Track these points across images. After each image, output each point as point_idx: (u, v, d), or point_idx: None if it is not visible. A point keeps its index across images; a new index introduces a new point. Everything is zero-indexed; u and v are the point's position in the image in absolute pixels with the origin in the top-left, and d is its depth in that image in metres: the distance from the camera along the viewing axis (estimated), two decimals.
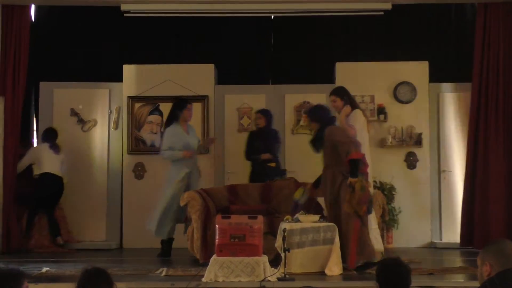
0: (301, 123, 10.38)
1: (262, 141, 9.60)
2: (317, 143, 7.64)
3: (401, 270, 3.78)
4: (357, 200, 7.11)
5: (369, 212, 7.29)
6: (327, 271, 6.95)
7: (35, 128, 11.09)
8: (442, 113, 10.46)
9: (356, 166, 7.21)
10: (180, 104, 9.15)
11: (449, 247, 9.91)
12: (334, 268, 6.99)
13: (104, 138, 10.64)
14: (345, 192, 7.22)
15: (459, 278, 6.64)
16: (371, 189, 7.61)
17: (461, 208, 9.77)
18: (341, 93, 7.97)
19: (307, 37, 11.44)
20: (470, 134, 9.81)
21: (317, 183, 7.80)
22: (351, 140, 7.34)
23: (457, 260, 8.55)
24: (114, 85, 10.76)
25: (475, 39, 9.97)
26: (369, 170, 7.49)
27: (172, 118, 9.06)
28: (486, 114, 9.74)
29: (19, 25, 9.87)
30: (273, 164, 9.56)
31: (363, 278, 6.72)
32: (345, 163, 7.26)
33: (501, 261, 3.36)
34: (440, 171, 10.37)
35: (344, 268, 7.13)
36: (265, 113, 9.77)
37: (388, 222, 9.52)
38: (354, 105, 7.93)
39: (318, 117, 7.72)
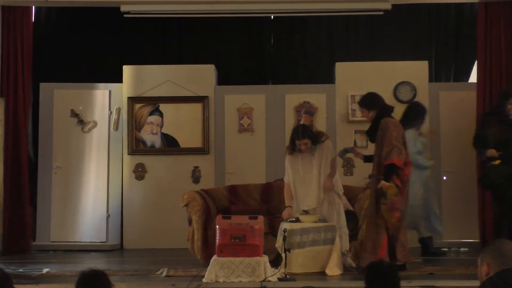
0: (301, 122, 10.37)
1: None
2: (372, 133, 7.28)
3: (383, 269, 3.87)
4: (389, 206, 6.86)
5: (400, 221, 6.95)
6: (327, 271, 6.96)
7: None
8: (442, 113, 10.45)
9: (392, 170, 6.91)
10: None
11: (449, 247, 9.91)
12: (335, 268, 6.99)
13: (104, 139, 10.64)
14: (372, 195, 7.07)
15: (460, 278, 6.63)
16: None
17: (478, 210, 9.74)
18: (367, 104, 7.50)
19: (307, 37, 11.45)
20: None
21: (367, 157, 7.49)
22: (396, 145, 6.96)
23: (458, 260, 8.54)
24: (114, 86, 10.76)
25: (477, 39, 9.98)
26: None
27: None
28: None
29: (21, 26, 9.90)
30: (497, 162, 8.33)
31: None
32: (381, 164, 7.02)
33: (498, 261, 3.36)
34: (441, 170, 10.36)
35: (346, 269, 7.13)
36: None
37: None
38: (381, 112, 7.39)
39: (375, 105, 7.35)
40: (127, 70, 10.71)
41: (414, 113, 9.00)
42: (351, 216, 7.78)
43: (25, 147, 9.96)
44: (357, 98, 10.36)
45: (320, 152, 7.53)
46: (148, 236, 10.38)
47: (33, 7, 10.33)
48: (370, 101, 7.42)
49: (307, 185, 7.52)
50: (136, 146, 10.56)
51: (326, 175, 7.48)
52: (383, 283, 3.85)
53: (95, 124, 10.65)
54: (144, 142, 10.58)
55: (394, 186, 6.88)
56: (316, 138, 7.56)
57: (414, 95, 10.45)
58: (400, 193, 6.97)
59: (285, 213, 7.52)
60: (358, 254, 7.33)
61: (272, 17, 11.27)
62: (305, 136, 7.48)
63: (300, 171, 7.59)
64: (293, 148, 7.60)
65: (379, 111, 7.30)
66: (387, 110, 7.42)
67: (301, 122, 10.30)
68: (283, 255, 6.71)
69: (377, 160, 7.13)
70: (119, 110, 10.67)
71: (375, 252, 6.98)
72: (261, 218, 6.72)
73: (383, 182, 6.89)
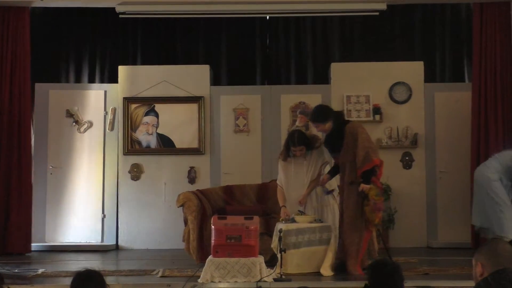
0: (297, 123, 10.38)
1: None
2: (336, 142, 7.21)
3: (388, 269, 3.87)
4: (372, 207, 6.89)
5: (383, 221, 7.02)
6: (322, 271, 6.96)
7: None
8: (437, 113, 10.48)
9: (372, 172, 6.96)
10: None
11: (444, 247, 9.93)
12: (330, 268, 7.00)
13: (99, 139, 10.63)
14: (350, 199, 7.05)
15: (455, 278, 6.64)
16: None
17: (471, 210, 9.72)
18: (321, 118, 7.33)
19: (302, 38, 11.45)
20: (473, 135, 9.84)
21: (331, 172, 7.47)
22: (370, 146, 7.02)
23: (453, 260, 8.55)
24: (109, 86, 10.77)
25: (473, 40, 10.01)
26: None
27: None
28: (486, 114, 9.79)
29: (17, 26, 9.90)
30: None
31: (358, 278, 6.72)
32: (357, 165, 7.00)
33: (492, 261, 3.38)
34: (436, 171, 10.39)
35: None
36: None
37: (384, 222, 9.52)
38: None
39: (329, 115, 7.25)
40: (122, 70, 10.71)
41: None
42: None
43: (26, 147, 9.91)
44: (353, 99, 10.44)
45: (313, 157, 7.55)
46: (144, 237, 10.38)
47: (29, 8, 10.31)
48: (323, 114, 7.30)
49: (299, 190, 7.53)
50: (132, 147, 10.56)
51: (312, 180, 7.52)
52: (387, 282, 3.84)
53: (91, 124, 10.64)
54: (139, 143, 10.57)
55: (375, 187, 6.94)
56: (310, 143, 7.57)
57: (410, 96, 10.48)
58: (381, 192, 7.07)
59: (282, 213, 7.52)
60: (341, 258, 7.23)
61: (267, 17, 11.27)
62: (301, 143, 7.49)
63: (292, 176, 7.61)
64: (287, 154, 7.62)
65: (334, 120, 7.25)
66: (341, 116, 7.43)
67: (297, 123, 10.30)
68: (278, 255, 6.71)
69: (349, 166, 7.08)
70: (114, 111, 10.66)
71: (357, 256, 7.04)
72: (256, 218, 6.71)
73: (363, 185, 6.93)
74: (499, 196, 8.34)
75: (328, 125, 7.25)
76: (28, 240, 9.76)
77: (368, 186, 6.92)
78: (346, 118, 7.48)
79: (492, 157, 8.69)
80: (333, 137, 7.26)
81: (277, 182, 7.75)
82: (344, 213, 7.14)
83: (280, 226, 7.06)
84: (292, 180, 7.61)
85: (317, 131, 7.50)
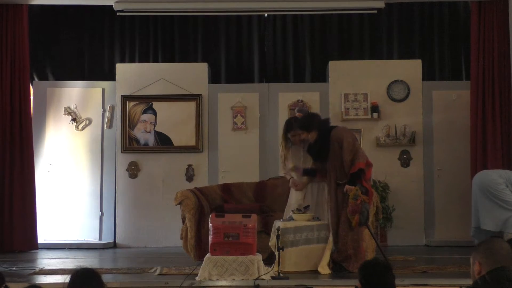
0: None
1: None
2: (323, 150, 7.19)
3: (379, 268, 3.88)
4: (349, 209, 6.96)
5: (360, 224, 7.02)
6: (320, 270, 6.96)
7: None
8: (435, 111, 10.48)
9: (359, 175, 7.01)
10: None
11: (442, 245, 9.93)
12: (327, 266, 7.00)
13: (97, 137, 10.63)
14: (342, 199, 7.10)
15: (452, 276, 6.65)
16: (374, 201, 7.41)
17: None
18: (306, 126, 7.32)
19: (300, 36, 11.44)
20: (471, 133, 9.85)
21: (306, 171, 7.47)
22: (356, 150, 7.08)
23: (451, 258, 8.56)
24: (107, 84, 10.75)
25: (471, 38, 10.03)
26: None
27: None
28: (484, 112, 9.80)
29: (15, 24, 9.90)
30: None
31: (356, 276, 6.70)
32: (345, 170, 7.07)
33: (490, 260, 3.38)
34: (434, 169, 10.39)
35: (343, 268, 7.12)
36: None
37: (382, 220, 9.53)
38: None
39: (315, 124, 7.25)
40: (120, 68, 10.70)
41: None
42: None
43: (27, 146, 9.93)
44: (351, 97, 10.45)
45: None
46: (142, 235, 10.38)
47: (27, 5, 10.31)
48: (309, 123, 7.28)
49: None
50: (130, 144, 10.56)
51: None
52: (379, 281, 3.85)
53: (89, 122, 10.63)
54: (137, 140, 10.57)
55: (357, 189, 6.98)
56: (309, 126, 7.55)
57: (408, 94, 10.49)
58: (371, 194, 7.12)
59: (292, 183, 7.54)
60: (342, 258, 7.21)
61: (265, 15, 11.27)
62: (297, 128, 7.49)
63: (289, 165, 7.63)
64: (286, 143, 7.62)
65: (320, 128, 7.25)
66: (326, 123, 7.44)
67: None
68: (276, 253, 6.71)
69: (339, 171, 7.12)
70: (112, 108, 10.66)
71: (359, 254, 7.04)
72: (254, 216, 6.71)
73: (347, 186, 6.99)
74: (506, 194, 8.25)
75: (312, 134, 7.24)
76: (33, 236, 9.80)
77: (351, 187, 6.98)
78: (332, 124, 7.47)
79: (499, 170, 8.65)
80: (318, 145, 7.27)
81: (283, 173, 7.79)
82: (341, 215, 7.12)
83: (278, 224, 7.07)
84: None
85: (301, 138, 7.45)
